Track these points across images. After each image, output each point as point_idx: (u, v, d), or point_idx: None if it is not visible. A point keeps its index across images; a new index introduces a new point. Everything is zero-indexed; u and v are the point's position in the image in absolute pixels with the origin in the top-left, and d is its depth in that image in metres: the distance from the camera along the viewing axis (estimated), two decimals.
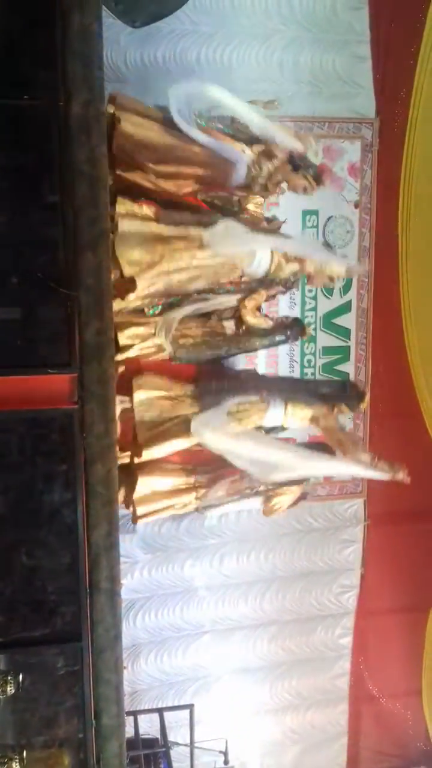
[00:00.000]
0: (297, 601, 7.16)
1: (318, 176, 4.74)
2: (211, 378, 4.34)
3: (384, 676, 7.53)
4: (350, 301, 6.78)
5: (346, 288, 6.74)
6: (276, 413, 4.09)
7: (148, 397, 4.31)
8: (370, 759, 7.72)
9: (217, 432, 3.98)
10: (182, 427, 4.21)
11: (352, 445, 4.17)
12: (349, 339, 6.85)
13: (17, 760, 3.81)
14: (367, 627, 7.40)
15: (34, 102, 3.54)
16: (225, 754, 6.27)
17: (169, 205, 4.30)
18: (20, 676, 3.77)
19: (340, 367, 6.89)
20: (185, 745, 6.21)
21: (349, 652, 7.46)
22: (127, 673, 4.62)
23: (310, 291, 6.57)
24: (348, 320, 6.81)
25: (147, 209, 4.17)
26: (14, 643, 3.77)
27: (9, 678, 3.75)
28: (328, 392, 4.31)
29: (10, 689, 3.75)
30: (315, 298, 6.66)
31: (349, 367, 6.89)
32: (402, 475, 4.21)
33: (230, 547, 6.82)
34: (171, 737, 6.21)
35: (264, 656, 7.22)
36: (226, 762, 6.30)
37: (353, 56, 6.36)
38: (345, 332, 6.84)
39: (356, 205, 6.62)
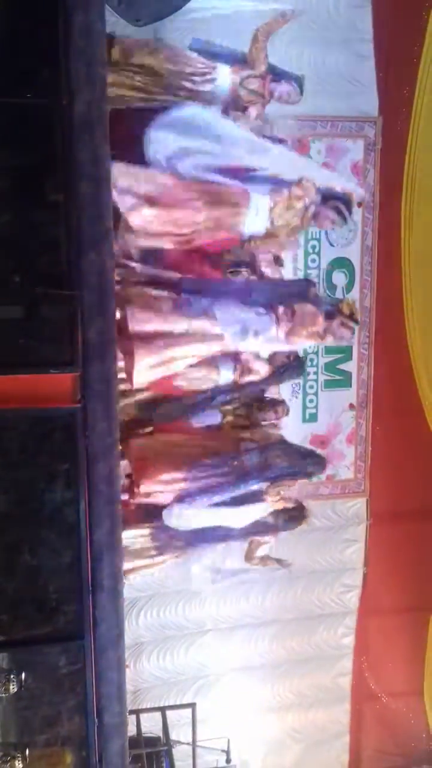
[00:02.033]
0: (299, 600, 7.16)
1: (348, 202, 4.47)
2: None
3: (386, 675, 7.53)
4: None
5: (349, 287, 6.73)
6: None
7: None
8: (372, 758, 7.72)
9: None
10: None
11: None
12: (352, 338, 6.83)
13: (20, 759, 3.81)
14: (369, 626, 7.40)
15: (37, 101, 3.53)
16: (227, 752, 6.27)
17: None
18: (22, 675, 3.77)
19: (343, 366, 6.88)
20: (187, 743, 6.21)
21: (351, 652, 7.47)
22: (129, 671, 4.60)
23: None
24: None
25: None
26: (16, 641, 3.76)
27: (11, 676, 3.75)
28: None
29: (13, 688, 3.75)
30: None
31: (351, 366, 6.88)
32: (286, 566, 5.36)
33: (232, 546, 6.81)
34: (173, 736, 6.21)
35: (266, 655, 7.22)
36: (228, 761, 6.30)
37: (356, 55, 6.36)
38: None
39: (359, 204, 6.61)
